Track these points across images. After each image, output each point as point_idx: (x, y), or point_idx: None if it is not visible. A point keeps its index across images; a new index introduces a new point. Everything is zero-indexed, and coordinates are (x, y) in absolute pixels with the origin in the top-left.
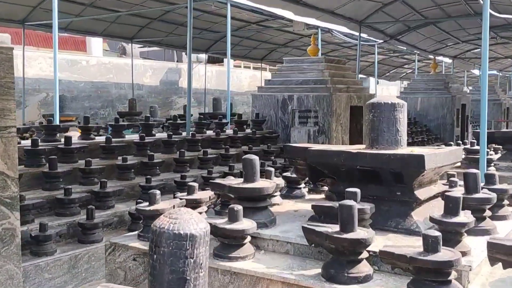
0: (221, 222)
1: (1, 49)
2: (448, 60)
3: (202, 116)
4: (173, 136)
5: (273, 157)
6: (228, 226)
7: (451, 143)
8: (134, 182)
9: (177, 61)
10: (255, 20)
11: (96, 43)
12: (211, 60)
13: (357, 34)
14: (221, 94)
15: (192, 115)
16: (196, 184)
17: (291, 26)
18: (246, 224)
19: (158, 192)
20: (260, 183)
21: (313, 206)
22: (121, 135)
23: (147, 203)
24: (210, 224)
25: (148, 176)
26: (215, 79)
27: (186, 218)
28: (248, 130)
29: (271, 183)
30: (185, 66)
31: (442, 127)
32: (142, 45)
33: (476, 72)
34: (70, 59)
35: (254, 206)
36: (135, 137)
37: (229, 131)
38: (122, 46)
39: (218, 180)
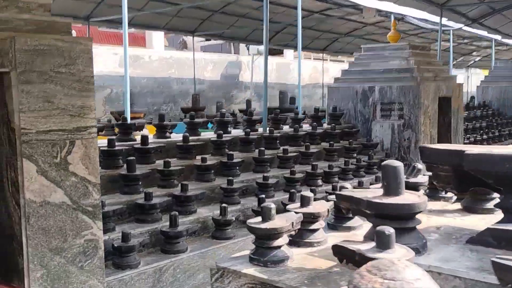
0: (367, 248)
1: (80, 40)
2: None
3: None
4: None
5: (355, 154)
6: (378, 255)
7: None
8: (214, 184)
9: (234, 53)
10: (318, 9)
11: (157, 38)
12: (271, 52)
13: (433, 19)
14: (281, 87)
15: (254, 109)
16: (311, 195)
17: (355, 15)
18: (400, 252)
19: (273, 206)
20: (407, 197)
21: (491, 230)
22: (197, 133)
23: (258, 219)
24: (354, 251)
25: (230, 178)
26: (275, 72)
27: (407, 277)
28: (325, 125)
29: (421, 197)
30: (245, 59)
31: None
32: (202, 39)
33: None
34: (133, 54)
35: (401, 227)
36: (210, 134)
37: (306, 127)
38: (183, 41)
39: (347, 192)
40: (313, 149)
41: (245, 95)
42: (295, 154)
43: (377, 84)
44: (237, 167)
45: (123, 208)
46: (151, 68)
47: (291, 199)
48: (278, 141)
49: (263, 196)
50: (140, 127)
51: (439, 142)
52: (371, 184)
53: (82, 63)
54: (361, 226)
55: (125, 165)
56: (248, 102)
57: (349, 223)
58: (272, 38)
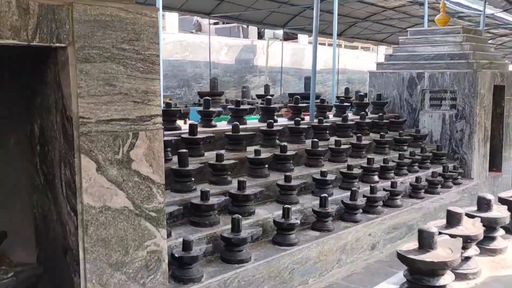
0: None
1: (146, 11)
2: None
3: (292, 98)
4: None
5: (405, 147)
6: None
7: None
8: (269, 180)
9: (243, 38)
10: None
11: (171, 21)
12: (285, 37)
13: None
14: (296, 73)
15: (273, 95)
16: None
17: None
18: None
19: (435, 230)
20: None
21: None
22: (243, 122)
23: (413, 244)
24: None
25: (287, 174)
26: (290, 57)
27: None
28: (370, 115)
29: None
30: (260, 43)
31: None
32: (217, 21)
33: None
34: None
35: None
36: (257, 123)
37: (352, 116)
38: (197, 23)
39: None
40: (364, 140)
41: (259, 80)
42: (347, 146)
43: (426, 70)
44: (291, 161)
45: (180, 210)
46: (166, 50)
47: (353, 198)
48: (327, 132)
49: (325, 194)
50: (186, 115)
51: (491, 135)
52: (427, 180)
53: (147, 39)
54: (506, 248)
55: (174, 158)
56: (267, 87)
57: (493, 245)
58: (288, 22)
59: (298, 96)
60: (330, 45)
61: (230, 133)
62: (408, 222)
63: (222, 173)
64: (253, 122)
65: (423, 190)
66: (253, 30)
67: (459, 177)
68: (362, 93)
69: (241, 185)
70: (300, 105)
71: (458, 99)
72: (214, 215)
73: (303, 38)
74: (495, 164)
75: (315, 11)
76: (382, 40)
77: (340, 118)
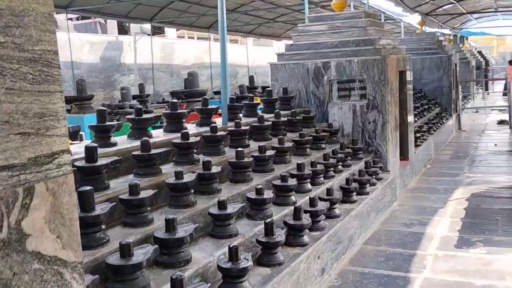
0: None
1: None
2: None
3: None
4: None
5: (324, 145)
6: None
7: None
8: (197, 209)
9: (104, 34)
10: None
11: None
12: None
13: None
14: (167, 69)
15: (149, 95)
16: None
17: None
18: None
19: None
20: None
21: None
22: (148, 134)
23: None
24: None
25: (219, 199)
26: (159, 52)
27: None
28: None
29: None
30: (126, 39)
31: (438, 91)
32: (77, 15)
33: (446, 31)
34: None
35: None
36: (165, 135)
37: (266, 116)
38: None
39: None
40: (286, 142)
41: (129, 79)
42: (271, 152)
43: (332, 59)
44: (217, 179)
45: (95, 281)
46: None
47: (297, 217)
48: (246, 137)
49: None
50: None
51: (401, 123)
52: (356, 180)
53: (35, 24)
54: None
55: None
56: (141, 87)
57: None
58: (156, 15)
59: (206, 97)
60: (199, 38)
61: (139, 152)
62: (348, 233)
63: (140, 210)
64: (157, 133)
65: (355, 193)
66: (113, 25)
67: (380, 171)
68: (270, 88)
69: (170, 225)
70: (210, 107)
71: (368, 88)
72: (142, 276)
73: (171, 32)
74: (403, 152)
75: (219, 5)
76: (250, 32)
77: (254, 119)
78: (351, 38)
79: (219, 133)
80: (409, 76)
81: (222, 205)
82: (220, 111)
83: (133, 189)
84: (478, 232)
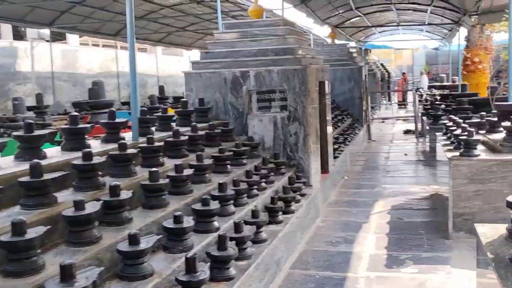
0: None
1: None
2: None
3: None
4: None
5: (245, 160)
6: None
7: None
8: (102, 246)
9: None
10: None
11: None
12: (52, 38)
13: None
14: (69, 78)
15: (47, 106)
16: None
17: None
18: None
19: None
20: None
21: None
22: (41, 154)
23: None
24: None
25: (130, 232)
26: (60, 61)
27: None
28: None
29: None
30: (21, 45)
31: (350, 102)
32: None
33: (352, 44)
34: None
35: None
36: (62, 154)
37: (182, 129)
38: None
39: None
40: (204, 159)
41: (25, 88)
42: (190, 171)
43: (251, 68)
44: (127, 206)
45: None
46: None
47: (223, 247)
48: (160, 154)
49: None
50: None
51: (321, 134)
52: (281, 199)
53: None
54: None
55: None
56: (39, 97)
57: None
58: (55, 20)
59: (113, 110)
60: (105, 46)
61: (28, 178)
62: (276, 257)
63: (27, 254)
64: (53, 152)
65: (280, 212)
66: (6, 30)
67: (303, 186)
68: (184, 99)
69: (67, 272)
70: (118, 120)
71: (289, 99)
72: None
73: (73, 38)
74: (323, 165)
75: (128, 11)
76: (159, 40)
77: (168, 133)
78: (270, 46)
79: (129, 150)
80: (327, 86)
81: (133, 240)
82: (130, 123)
83: (18, 227)
84: (406, 248)
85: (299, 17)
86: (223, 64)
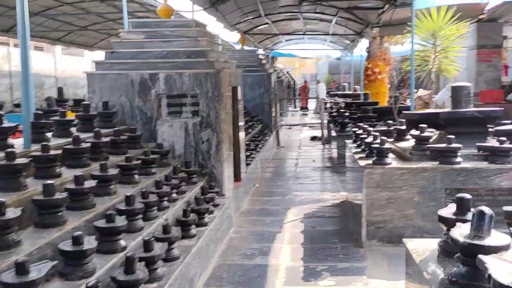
0: None
1: None
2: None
3: None
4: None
5: (155, 169)
6: None
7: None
8: None
9: None
10: None
11: None
12: None
13: None
14: None
15: None
16: None
17: None
18: None
19: None
20: None
21: None
22: None
23: None
24: None
25: (18, 260)
26: None
27: None
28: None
29: None
30: None
31: (260, 108)
32: None
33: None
34: None
35: None
36: None
37: (83, 135)
38: None
39: None
40: (109, 169)
41: None
42: (92, 183)
43: (161, 71)
44: (16, 226)
45: None
46: None
47: (130, 271)
48: (57, 164)
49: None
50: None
51: (234, 141)
52: (194, 211)
53: None
54: None
55: None
56: None
57: None
58: None
59: (1, 112)
60: None
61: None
62: (189, 275)
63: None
64: None
65: (194, 226)
66: None
67: (216, 196)
68: (86, 102)
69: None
70: (7, 124)
71: (201, 104)
72: None
73: None
74: (236, 172)
75: (19, 6)
76: (58, 39)
77: (67, 140)
78: (182, 48)
79: (19, 160)
80: (240, 92)
81: (21, 268)
82: (21, 127)
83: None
84: (321, 259)
85: (208, 21)
86: (131, 65)
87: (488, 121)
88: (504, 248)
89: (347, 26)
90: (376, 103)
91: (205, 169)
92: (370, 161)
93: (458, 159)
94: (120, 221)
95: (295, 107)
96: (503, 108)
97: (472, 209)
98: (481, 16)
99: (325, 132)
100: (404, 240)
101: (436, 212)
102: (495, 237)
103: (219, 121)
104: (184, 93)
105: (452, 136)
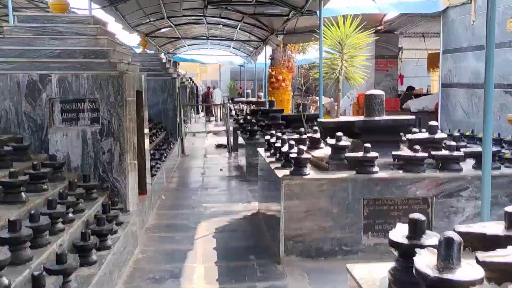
0: None
1: None
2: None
3: None
4: None
5: (46, 185)
6: None
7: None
8: None
9: None
10: None
11: None
12: None
13: None
14: None
15: None
16: None
17: None
18: None
19: None
20: None
21: None
22: None
23: None
24: None
25: None
26: None
27: None
28: None
29: None
30: None
31: (163, 114)
32: None
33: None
34: None
35: None
36: None
37: None
38: None
39: None
40: None
41: None
42: None
43: (54, 72)
44: None
45: None
46: None
47: None
48: None
49: None
50: None
51: (139, 151)
52: (95, 232)
53: None
54: None
55: None
56: None
57: None
58: None
59: None
60: None
61: None
62: None
63: None
64: None
65: (94, 250)
66: None
67: (120, 213)
68: None
69: None
70: None
71: (102, 110)
72: None
73: None
74: (141, 185)
75: None
76: None
77: None
78: (79, 47)
79: None
80: (145, 97)
81: None
82: None
83: None
84: (239, 279)
85: (106, 21)
86: (16, 65)
87: (401, 130)
88: (478, 282)
89: (252, 32)
90: (282, 111)
91: (106, 182)
92: (287, 172)
93: (375, 168)
94: (1, 253)
95: (197, 113)
96: (414, 117)
97: (427, 232)
98: (379, 27)
99: (231, 139)
100: (347, 266)
101: (354, 223)
102: (466, 269)
103: (122, 129)
104: (81, 97)
105: (369, 145)
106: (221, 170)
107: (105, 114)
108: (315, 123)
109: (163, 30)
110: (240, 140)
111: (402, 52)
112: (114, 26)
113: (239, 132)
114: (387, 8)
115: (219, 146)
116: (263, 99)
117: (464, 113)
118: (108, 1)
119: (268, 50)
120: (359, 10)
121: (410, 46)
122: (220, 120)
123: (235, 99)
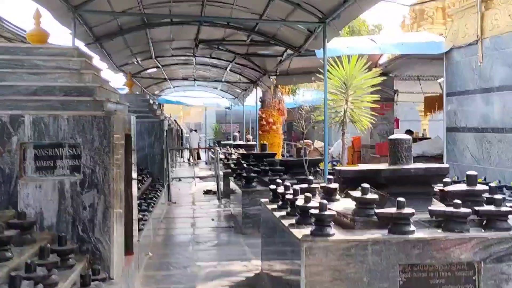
0: None
1: None
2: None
3: None
4: None
5: (9, 253)
6: None
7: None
8: None
9: None
10: None
11: None
12: None
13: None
14: None
15: None
16: None
17: None
18: None
19: None
20: None
21: None
22: None
23: None
24: None
25: None
26: None
27: None
28: None
29: None
30: None
31: (150, 159)
32: None
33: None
34: None
35: None
36: None
37: None
38: None
39: None
40: None
41: None
42: None
43: (28, 112)
44: None
45: None
46: None
47: None
48: None
49: None
50: None
51: (126, 205)
52: None
53: None
54: None
55: None
56: None
57: None
58: None
59: None
60: None
61: None
62: None
63: None
64: None
65: None
66: None
67: (103, 284)
68: None
69: None
70: None
71: (84, 156)
72: None
73: None
74: (127, 244)
75: None
76: None
77: None
78: (59, 83)
79: None
80: (134, 141)
81: None
82: None
83: None
84: None
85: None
86: None
87: (434, 180)
88: None
89: (242, 73)
90: (274, 155)
91: (86, 244)
92: (305, 230)
93: (411, 227)
94: None
95: (182, 157)
96: (447, 165)
97: None
98: (375, 69)
99: (222, 185)
100: None
101: None
102: None
103: (107, 180)
104: (60, 142)
105: (403, 199)
106: (212, 220)
107: (88, 161)
108: (317, 169)
109: (149, 71)
110: (232, 185)
111: (397, 95)
112: (98, 65)
113: (231, 178)
114: (388, 49)
115: (207, 192)
116: (252, 142)
117: (473, 158)
118: (93, 38)
119: (258, 92)
120: (359, 51)
121: (405, 89)
122: (206, 163)
123: (222, 142)
